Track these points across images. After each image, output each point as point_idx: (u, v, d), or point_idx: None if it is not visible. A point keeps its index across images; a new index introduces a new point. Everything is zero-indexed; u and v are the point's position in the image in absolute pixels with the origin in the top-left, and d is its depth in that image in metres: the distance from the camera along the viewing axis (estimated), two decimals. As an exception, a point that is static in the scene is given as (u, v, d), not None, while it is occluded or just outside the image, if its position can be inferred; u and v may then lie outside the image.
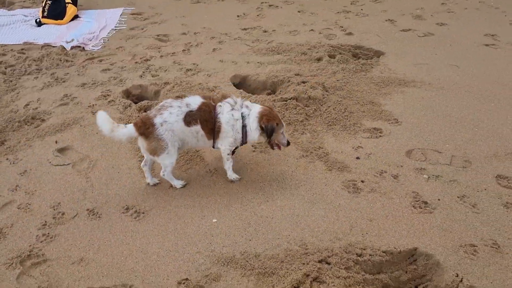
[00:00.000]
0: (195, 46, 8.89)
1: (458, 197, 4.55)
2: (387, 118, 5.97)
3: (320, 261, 3.91)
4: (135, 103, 6.60)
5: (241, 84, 7.31)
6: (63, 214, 4.57)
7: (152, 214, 4.53)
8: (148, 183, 4.87)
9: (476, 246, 3.97)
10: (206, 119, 4.41)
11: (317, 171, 5.01)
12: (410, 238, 4.10)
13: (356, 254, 3.99)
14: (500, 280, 3.63)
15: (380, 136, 5.61)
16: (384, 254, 4.00)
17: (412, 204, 4.48)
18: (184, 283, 3.75)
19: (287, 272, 3.79)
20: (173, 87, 6.91)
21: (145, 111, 6.22)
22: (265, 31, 9.52)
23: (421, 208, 4.44)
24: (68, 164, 5.35)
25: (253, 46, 8.68)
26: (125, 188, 4.90)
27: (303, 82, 6.65)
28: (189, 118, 4.39)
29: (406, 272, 3.98)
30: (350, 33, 9.08)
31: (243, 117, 4.44)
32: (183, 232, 4.29)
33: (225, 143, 4.57)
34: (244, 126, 4.46)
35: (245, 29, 9.77)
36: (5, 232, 4.33)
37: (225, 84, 7.09)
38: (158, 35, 9.52)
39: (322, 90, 6.44)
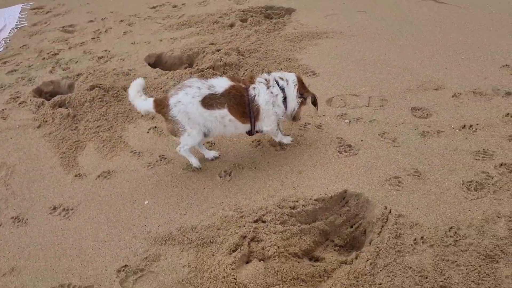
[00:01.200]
0: (104, 32, 8.48)
1: (379, 134, 4.69)
2: (305, 72, 6.02)
3: (255, 221, 3.91)
4: (48, 100, 6.18)
5: (157, 62, 7.08)
6: (-15, 228, 4.26)
7: (81, 209, 4.33)
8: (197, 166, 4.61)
9: (400, 177, 4.12)
10: (236, 103, 4.10)
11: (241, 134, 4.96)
12: (339, 182, 4.18)
13: (290, 207, 4.01)
14: (424, 204, 3.80)
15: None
16: (317, 202, 4.05)
17: (337, 150, 4.57)
18: (123, 270, 3.63)
19: (225, 238, 3.76)
20: (87, 77, 6.55)
21: (59, 107, 5.85)
22: (175, 6, 9.24)
23: (346, 152, 4.53)
24: (-17, 175, 4.96)
25: (164, 23, 8.41)
26: (49, 188, 4.64)
27: (218, 50, 6.53)
28: (210, 101, 4.04)
29: (340, 215, 4.08)
30: (259, -5, 9.00)
31: (282, 89, 4.23)
32: (116, 220, 4.14)
33: (268, 123, 4.33)
34: (285, 98, 4.26)
35: (154, 7, 9.44)
36: None
37: (140, 65, 6.83)
38: (63, 27, 8.99)
39: (238, 55, 6.36)
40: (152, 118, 5.53)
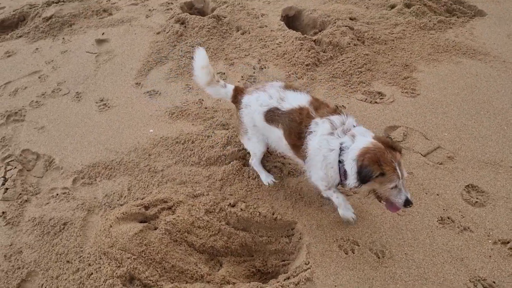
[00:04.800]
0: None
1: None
2: (406, 87, 5.03)
3: (195, 196, 3.84)
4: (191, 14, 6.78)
5: (294, 18, 6.86)
6: None
7: (116, 107, 4.96)
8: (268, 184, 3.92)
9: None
10: (290, 130, 3.29)
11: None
12: (293, 212, 3.67)
13: (230, 204, 3.78)
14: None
15: (375, 102, 4.81)
16: (259, 214, 3.69)
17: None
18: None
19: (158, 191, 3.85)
20: (227, 7, 6.88)
21: (181, 23, 6.38)
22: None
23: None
24: None
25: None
26: (114, 82, 5.47)
27: (347, 27, 5.90)
28: (272, 116, 3.39)
29: (279, 242, 3.66)
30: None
31: (341, 149, 3.06)
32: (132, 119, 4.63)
33: (315, 175, 3.34)
34: (340, 162, 3.08)
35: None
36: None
37: (275, 14, 6.75)
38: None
39: (354, 39, 5.65)
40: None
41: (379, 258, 3.28)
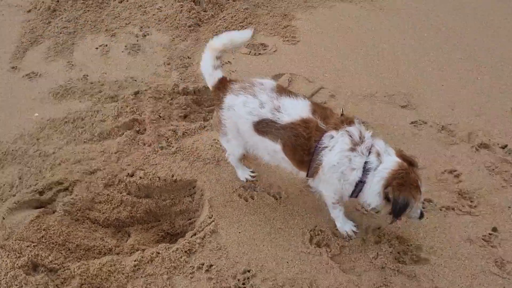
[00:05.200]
0: None
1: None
2: (286, 35, 5.24)
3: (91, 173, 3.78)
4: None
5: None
6: None
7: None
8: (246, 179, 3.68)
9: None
10: (295, 146, 2.91)
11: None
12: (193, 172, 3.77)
13: (128, 174, 3.77)
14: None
15: (260, 54, 4.96)
16: (158, 179, 3.72)
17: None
18: None
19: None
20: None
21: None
22: None
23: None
24: None
25: None
26: None
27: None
28: (265, 128, 2.97)
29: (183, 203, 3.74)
30: None
31: (366, 169, 2.80)
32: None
33: (326, 188, 3.04)
34: (361, 182, 2.83)
35: None
36: None
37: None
38: None
39: (232, -7, 5.71)
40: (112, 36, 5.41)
41: (277, 199, 3.50)
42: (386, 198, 2.77)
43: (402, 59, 4.83)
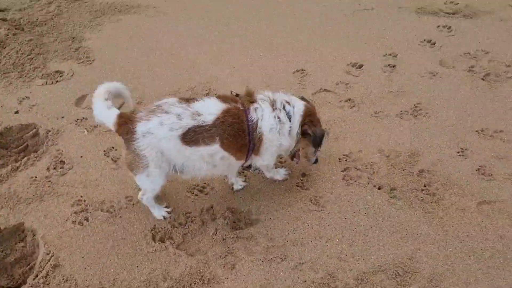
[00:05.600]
0: None
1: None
2: (80, 57, 5.17)
3: None
4: None
5: None
6: None
7: None
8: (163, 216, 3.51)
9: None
10: (233, 134, 3.02)
11: None
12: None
13: None
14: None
15: (57, 81, 4.82)
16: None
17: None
18: None
19: None
20: None
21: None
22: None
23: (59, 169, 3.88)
24: None
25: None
26: None
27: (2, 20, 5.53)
28: (195, 135, 2.95)
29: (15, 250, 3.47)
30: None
31: (289, 117, 3.20)
32: None
33: (267, 157, 3.30)
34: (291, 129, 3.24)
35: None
36: None
37: None
38: None
39: (11, 29, 5.42)
40: None
41: (111, 213, 3.54)
42: (303, 133, 3.27)
43: (193, 54, 5.24)
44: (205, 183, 3.72)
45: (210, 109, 2.98)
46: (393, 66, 4.96)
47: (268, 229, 3.36)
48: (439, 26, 5.60)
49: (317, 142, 3.29)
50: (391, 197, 3.55)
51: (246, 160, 3.29)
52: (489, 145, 3.87)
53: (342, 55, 5.19)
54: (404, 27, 5.64)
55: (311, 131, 3.24)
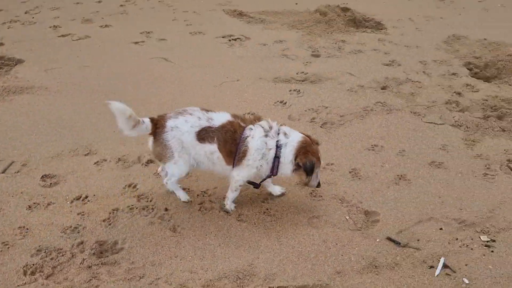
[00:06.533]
0: None
1: None
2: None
3: None
4: None
5: None
6: None
7: None
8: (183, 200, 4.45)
9: None
10: (226, 140, 3.83)
11: None
12: None
13: None
14: None
15: None
16: None
17: None
18: None
19: None
20: None
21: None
22: None
23: None
24: None
25: None
26: None
27: None
28: (204, 134, 3.85)
29: None
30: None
31: (278, 146, 3.83)
32: None
33: (243, 173, 3.98)
34: (277, 157, 3.86)
35: None
36: None
37: None
38: None
39: None
40: None
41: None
42: (297, 164, 3.84)
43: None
44: (78, 224, 4.18)
45: (220, 118, 3.92)
46: (250, 123, 5.93)
47: (131, 254, 3.88)
48: (290, 90, 6.79)
49: (308, 170, 3.88)
50: (238, 220, 4.25)
51: (233, 166, 3.98)
52: (323, 175, 4.77)
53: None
54: (262, 92, 6.75)
55: (301, 163, 3.84)
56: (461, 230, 4.12)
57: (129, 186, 4.71)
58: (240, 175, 4.01)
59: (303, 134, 4.02)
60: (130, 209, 4.38)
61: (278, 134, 3.87)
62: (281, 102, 6.43)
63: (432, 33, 9.35)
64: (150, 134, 4.00)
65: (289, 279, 3.65)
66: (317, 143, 4.09)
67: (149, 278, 3.65)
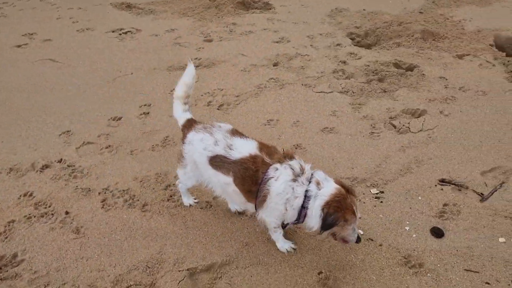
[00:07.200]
0: None
1: None
2: None
3: None
4: None
5: None
6: None
7: None
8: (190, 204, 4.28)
9: None
10: (244, 178, 3.31)
11: None
12: None
13: None
14: None
15: None
16: None
17: None
18: None
19: None
20: None
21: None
22: None
23: None
24: None
25: None
26: None
27: None
28: (219, 163, 3.42)
29: None
30: None
31: (307, 196, 3.19)
32: None
33: (270, 215, 3.41)
34: (304, 207, 3.22)
35: None
36: None
37: None
38: None
39: None
40: None
41: None
42: (324, 218, 3.14)
43: None
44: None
45: (242, 149, 3.39)
46: (147, 113, 5.90)
47: (33, 264, 3.73)
48: (186, 78, 6.82)
49: (324, 225, 3.19)
50: (142, 211, 4.25)
51: (255, 207, 3.47)
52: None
53: (103, 112, 5.96)
54: (157, 83, 6.72)
55: (325, 213, 3.16)
56: (354, 187, 4.47)
57: (25, 195, 4.50)
58: (268, 217, 3.47)
59: (339, 183, 3.33)
60: (28, 218, 4.20)
61: (310, 182, 3.24)
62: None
63: (316, 9, 9.85)
64: (181, 130, 3.86)
65: (199, 259, 3.75)
66: (355, 195, 3.40)
67: (54, 285, 3.56)
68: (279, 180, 3.23)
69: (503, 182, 4.44)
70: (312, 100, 6.09)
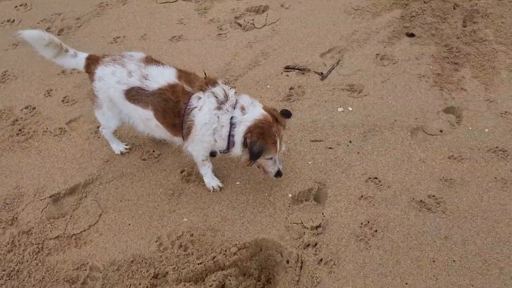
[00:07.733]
0: None
1: None
2: None
3: None
4: None
5: None
6: None
7: None
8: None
9: None
10: (165, 110, 3.04)
11: None
12: None
13: None
14: None
15: None
16: None
17: None
18: None
19: None
20: None
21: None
22: None
23: None
24: None
25: None
26: None
27: None
28: (136, 96, 3.09)
29: None
30: None
31: (232, 123, 2.99)
32: None
33: (198, 148, 3.21)
34: (231, 135, 3.02)
35: None
36: None
37: None
38: None
39: None
40: None
41: None
42: (245, 144, 3.00)
43: None
44: None
45: (159, 78, 3.06)
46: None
47: None
48: (16, 6, 6.17)
49: (252, 153, 3.00)
50: (-11, 152, 3.98)
51: (183, 138, 3.22)
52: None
53: None
54: None
55: (248, 142, 2.98)
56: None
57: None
58: (195, 149, 3.26)
59: (267, 110, 3.12)
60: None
61: (235, 108, 3.03)
62: (8, 20, 5.84)
63: None
64: (86, 72, 3.37)
65: (60, 185, 3.72)
66: (282, 124, 3.17)
67: None
68: (203, 109, 3.00)
69: (339, 60, 4.88)
70: (158, 12, 5.94)
